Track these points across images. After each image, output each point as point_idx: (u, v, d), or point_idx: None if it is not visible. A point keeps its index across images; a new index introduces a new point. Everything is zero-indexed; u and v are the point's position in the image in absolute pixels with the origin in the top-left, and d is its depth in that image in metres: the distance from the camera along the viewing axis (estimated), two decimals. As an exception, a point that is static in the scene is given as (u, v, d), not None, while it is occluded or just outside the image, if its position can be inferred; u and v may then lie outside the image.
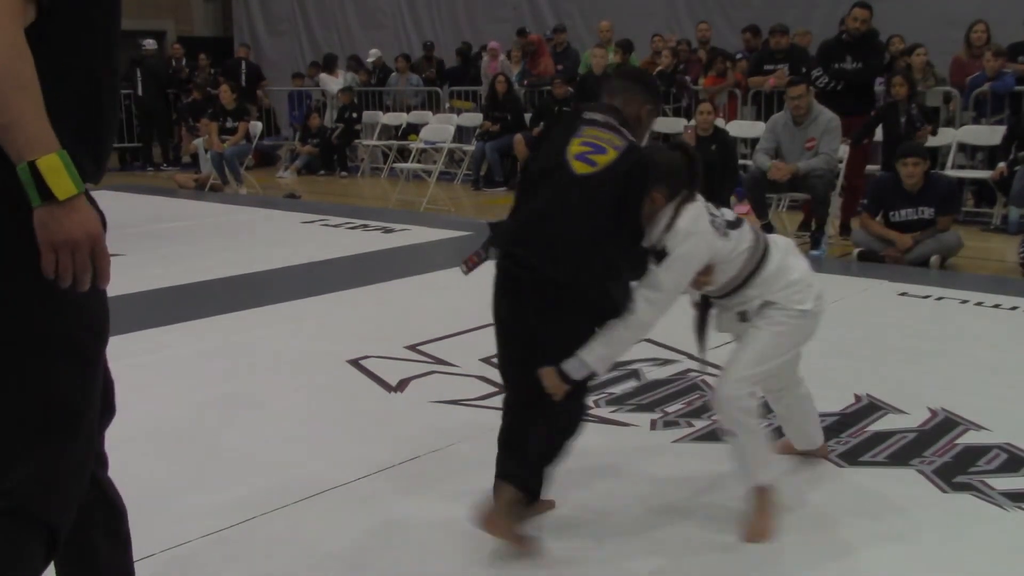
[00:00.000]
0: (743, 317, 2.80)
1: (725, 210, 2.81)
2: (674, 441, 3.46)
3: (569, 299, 2.54)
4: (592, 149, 2.58)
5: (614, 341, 2.60)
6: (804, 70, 8.63)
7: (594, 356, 2.57)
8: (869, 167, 8.02)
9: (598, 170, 2.56)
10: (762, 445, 2.80)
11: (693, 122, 7.87)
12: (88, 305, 1.67)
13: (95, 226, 1.57)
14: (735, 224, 2.75)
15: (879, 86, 8.73)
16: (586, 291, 2.55)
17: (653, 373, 4.18)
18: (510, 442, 2.70)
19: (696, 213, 2.63)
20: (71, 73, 1.62)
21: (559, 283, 2.52)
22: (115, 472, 1.92)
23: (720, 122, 8.80)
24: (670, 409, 3.76)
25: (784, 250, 2.82)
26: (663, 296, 2.61)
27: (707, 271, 2.68)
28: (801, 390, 3.08)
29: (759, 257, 2.74)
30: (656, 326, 2.63)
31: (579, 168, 2.57)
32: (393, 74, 13.74)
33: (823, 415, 3.65)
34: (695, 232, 2.60)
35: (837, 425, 3.56)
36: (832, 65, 7.82)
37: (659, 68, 10.58)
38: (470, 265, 2.75)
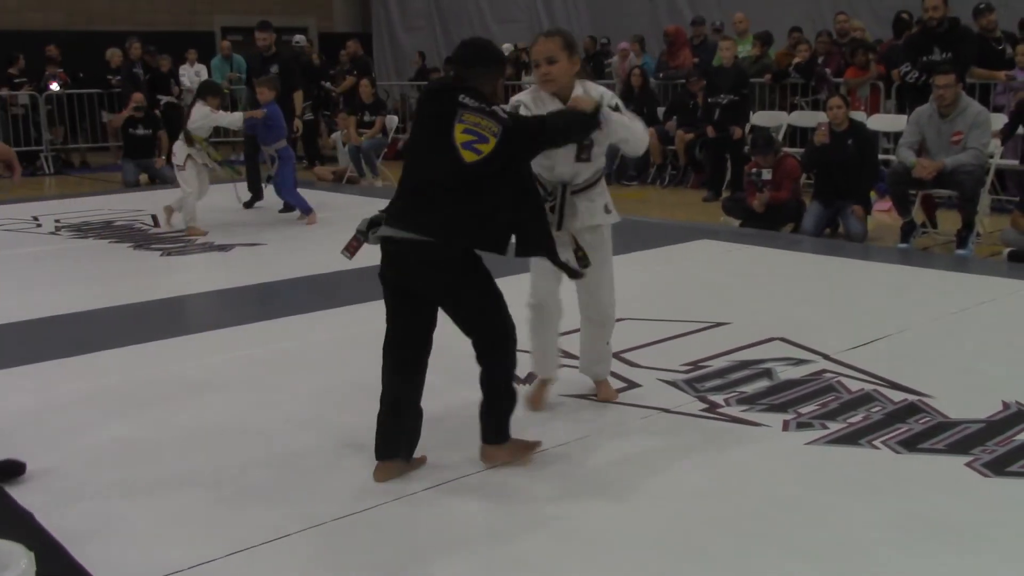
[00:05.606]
0: None
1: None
2: (807, 443, 3.37)
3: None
4: (476, 138, 2.89)
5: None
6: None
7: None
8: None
9: (482, 158, 2.90)
10: None
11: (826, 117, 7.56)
12: None
13: None
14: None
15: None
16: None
17: (787, 373, 4.08)
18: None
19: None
20: None
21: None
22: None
23: (861, 115, 8.50)
24: (803, 410, 3.66)
25: None
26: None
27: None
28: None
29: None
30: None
31: (468, 157, 2.89)
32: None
33: (968, 422, 3.49)
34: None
35: (982, 433, 3.40)
36: (920, 58, 7.43)
37: (796, 60, 10.31)
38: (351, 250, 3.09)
